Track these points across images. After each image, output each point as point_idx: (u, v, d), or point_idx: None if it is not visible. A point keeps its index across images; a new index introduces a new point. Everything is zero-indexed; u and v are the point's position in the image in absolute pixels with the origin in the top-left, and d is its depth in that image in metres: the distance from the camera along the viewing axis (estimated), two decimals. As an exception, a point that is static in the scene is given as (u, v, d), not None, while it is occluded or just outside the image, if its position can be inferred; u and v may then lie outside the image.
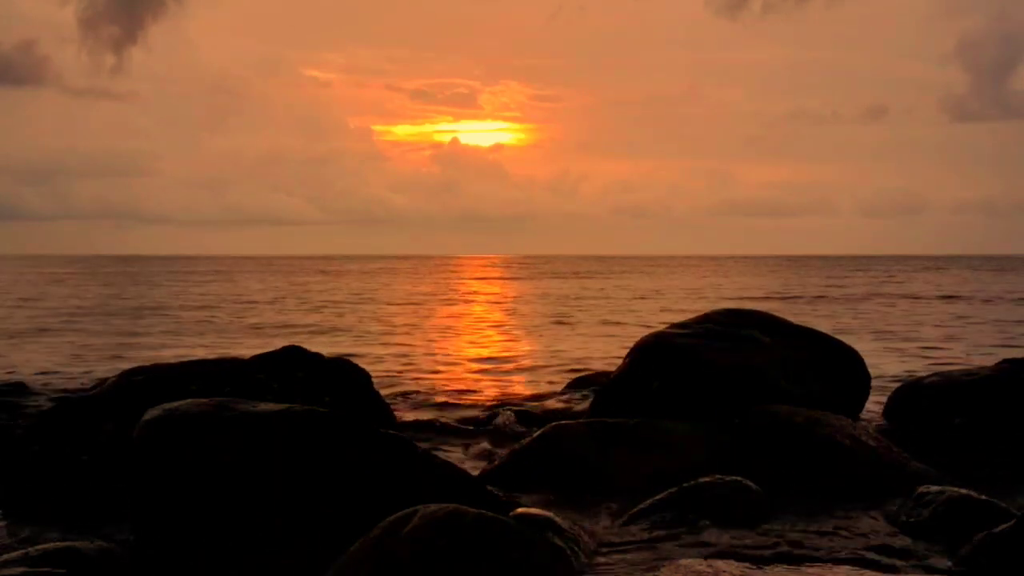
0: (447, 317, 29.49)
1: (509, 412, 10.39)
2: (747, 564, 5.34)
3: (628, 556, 5.66)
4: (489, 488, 6.14)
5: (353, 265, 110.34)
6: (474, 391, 13.17)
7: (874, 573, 5.31)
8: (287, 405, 5.80)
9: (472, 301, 39.77)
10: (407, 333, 23.20)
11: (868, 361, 9.29)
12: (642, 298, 40.01)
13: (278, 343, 9.37)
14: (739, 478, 6.63)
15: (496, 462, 8.02)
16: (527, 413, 10.46)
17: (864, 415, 9.14)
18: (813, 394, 8.39)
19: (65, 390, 12.06)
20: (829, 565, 5.47)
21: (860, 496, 6.88)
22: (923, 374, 9.93)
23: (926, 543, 5.88)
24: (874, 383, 9.45)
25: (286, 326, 25.33)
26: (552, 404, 11.09)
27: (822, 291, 44.78)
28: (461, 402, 12.00)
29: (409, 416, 10.68)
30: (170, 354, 16.25)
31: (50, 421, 7.18)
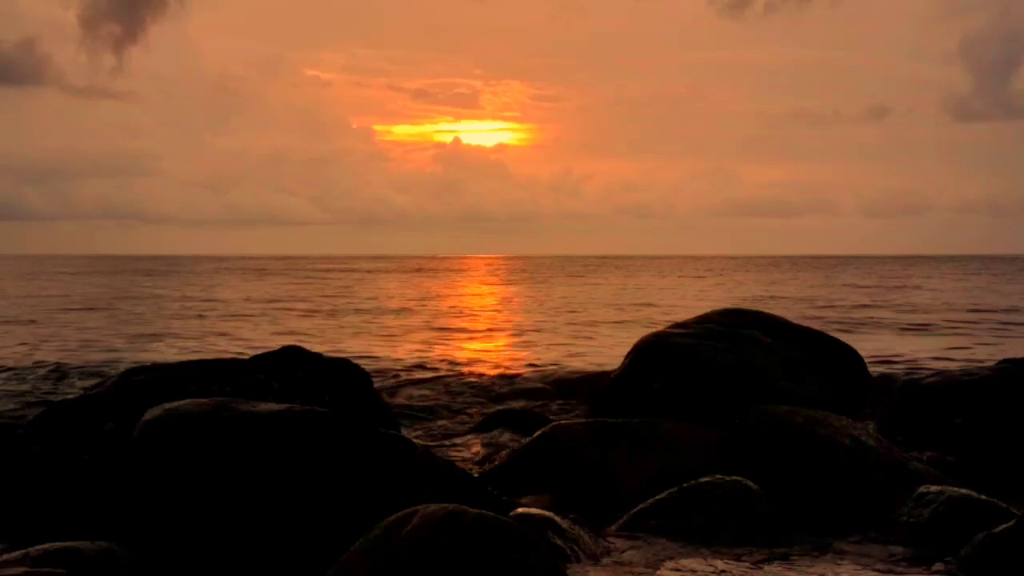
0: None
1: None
2: (747, 564, 5.35)
3: (628, 556, 5.66)
4: (489, 488, 6.15)
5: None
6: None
7: (874, 573, 5.31)
8: (287, 405, 5.80)
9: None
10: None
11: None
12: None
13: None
14: (739, 478, 6.63)
15: (496, 462, 8.02)
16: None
17: (864, 415, 9.14)
18: (813, 394, 8.39)
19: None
20: (829, 565, 5.48)
21: (860, 496, 6.88)
22: (923, 374, 9.93)
23: (926, 543, 5.88)
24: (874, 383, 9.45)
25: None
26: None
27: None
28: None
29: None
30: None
31: (50, 421, 7.18)
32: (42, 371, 15.02)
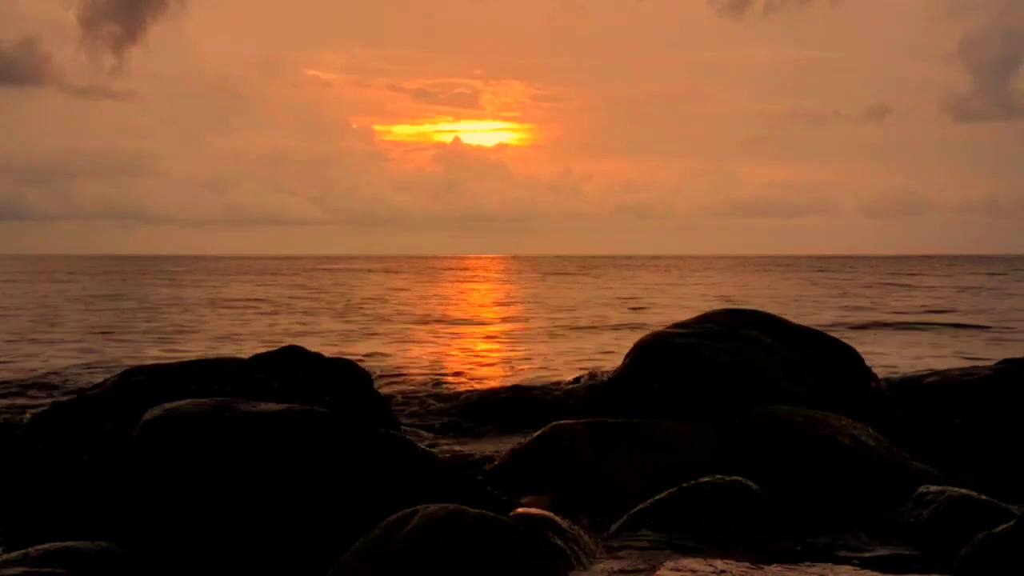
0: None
1: None
2: (747, 564, 5.34)
3: (628, 556, 5.66)
4: (489, 488, 6.14)
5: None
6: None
7: (874, 573, 5.31)
8: (287, 405, 5.80)
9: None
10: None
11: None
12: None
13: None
14: (739, 478, 6.62)
15: (496, 462, 8.02)
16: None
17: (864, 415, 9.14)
18: (813, 394, 8.39)
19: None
20: (829, 565, 5.47)
21: (860, 496, 6.88)
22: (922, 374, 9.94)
23: (926, 543, 5.88)
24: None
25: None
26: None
27: None
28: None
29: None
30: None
31: (50, 421, 7.18)
32: (42, 371, 15.02)
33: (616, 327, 24.74)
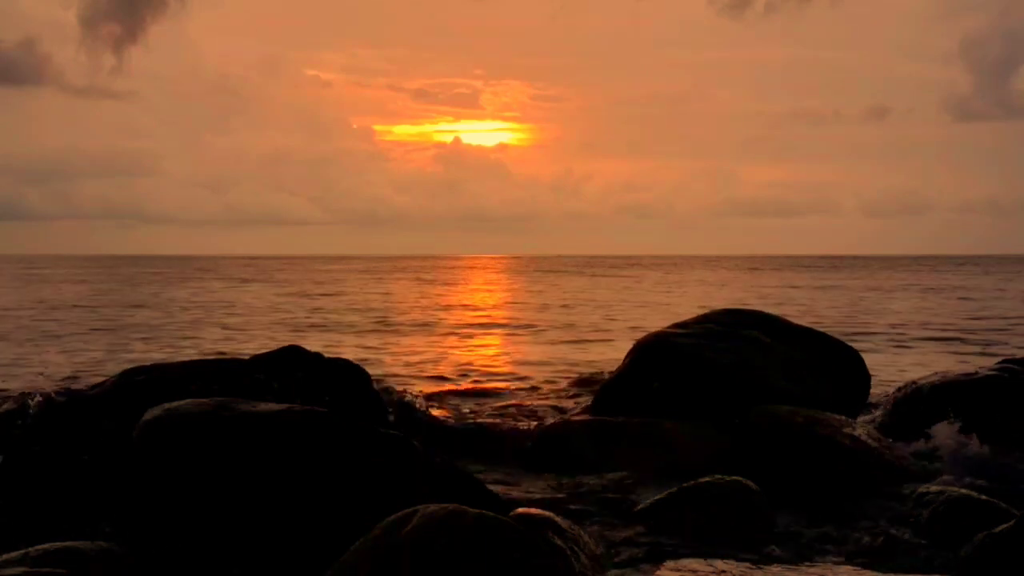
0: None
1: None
2: (747, 564, 5.34)
3: (628, 556, 5.67)
4: (489, 488, 6.14)
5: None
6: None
7: (874, 573, 5.31)
8: (287, 405, 5.80)
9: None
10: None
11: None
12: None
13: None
14: (739, 478, 6.62)
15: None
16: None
17: (864, 415, 9.14)
18: (813, 394, 8.39)
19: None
20: (829, 565, 5.47)
21: (860, 496, 6.88)
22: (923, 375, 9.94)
23: (926, 543, 5.88)
24: (874, 382, 9.45)
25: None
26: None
27: None
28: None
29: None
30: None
31: (50, 421, 7.18)
32: (42, 372, 15.02)
33: (615, 329, 24.74)
